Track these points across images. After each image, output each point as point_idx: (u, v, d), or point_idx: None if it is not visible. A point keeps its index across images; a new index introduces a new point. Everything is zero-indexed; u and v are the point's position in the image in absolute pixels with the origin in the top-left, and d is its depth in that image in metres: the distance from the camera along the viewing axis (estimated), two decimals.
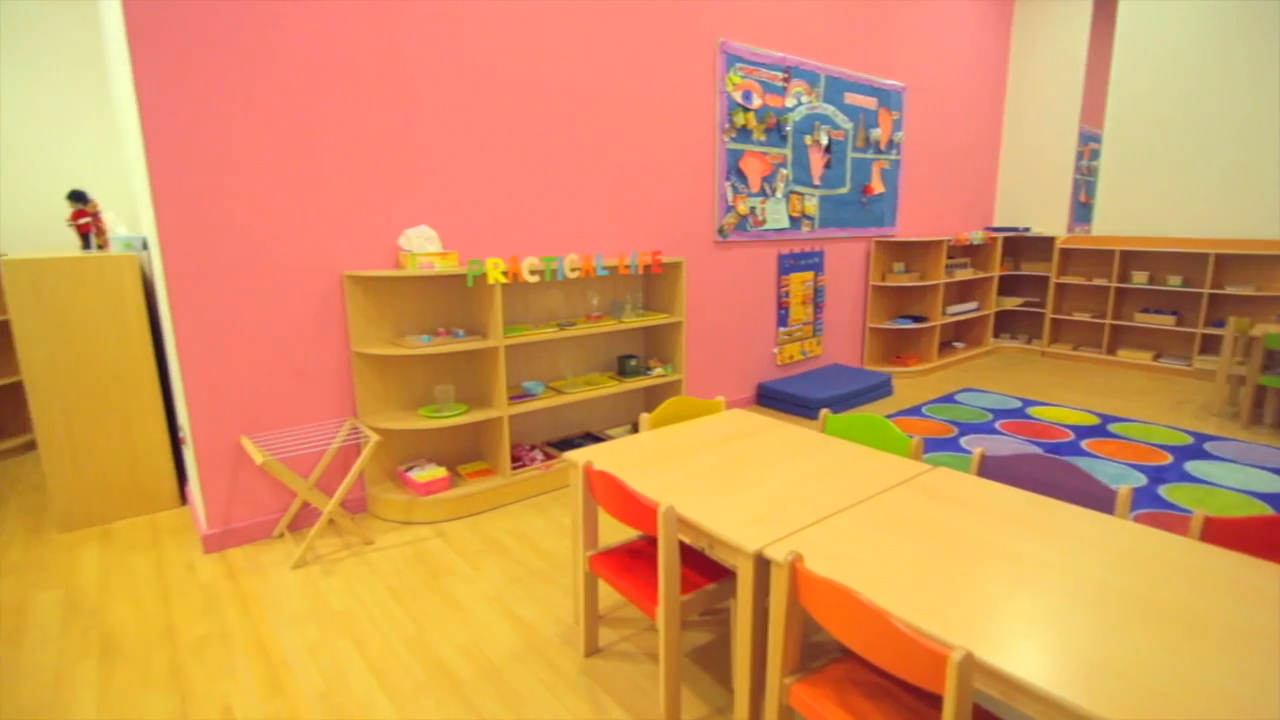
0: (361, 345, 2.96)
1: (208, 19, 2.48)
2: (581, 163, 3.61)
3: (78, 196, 3.24)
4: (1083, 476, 1.79)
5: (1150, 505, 3.11)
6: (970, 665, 1.03)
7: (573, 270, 3.28)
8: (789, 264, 4.87)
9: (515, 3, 3.22)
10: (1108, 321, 5.94)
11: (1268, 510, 3.07)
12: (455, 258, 3.00)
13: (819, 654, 1.54)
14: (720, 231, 4.35)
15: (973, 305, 6.30)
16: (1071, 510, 1.60)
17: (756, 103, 4.38)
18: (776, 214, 4.68)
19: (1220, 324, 5.38)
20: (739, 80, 4.25)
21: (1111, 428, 4.22)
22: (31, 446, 4.00)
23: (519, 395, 3.33)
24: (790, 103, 4.61)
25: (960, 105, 6.15)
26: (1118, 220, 5.98)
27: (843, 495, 1.72)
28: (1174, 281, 5.57)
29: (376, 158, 2.93)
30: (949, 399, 4.93)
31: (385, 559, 2.67)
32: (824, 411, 2.31)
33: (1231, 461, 3.64)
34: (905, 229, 5.86)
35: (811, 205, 4.93)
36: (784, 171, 4.67)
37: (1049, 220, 6.51)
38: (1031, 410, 4.62)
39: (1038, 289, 6.64)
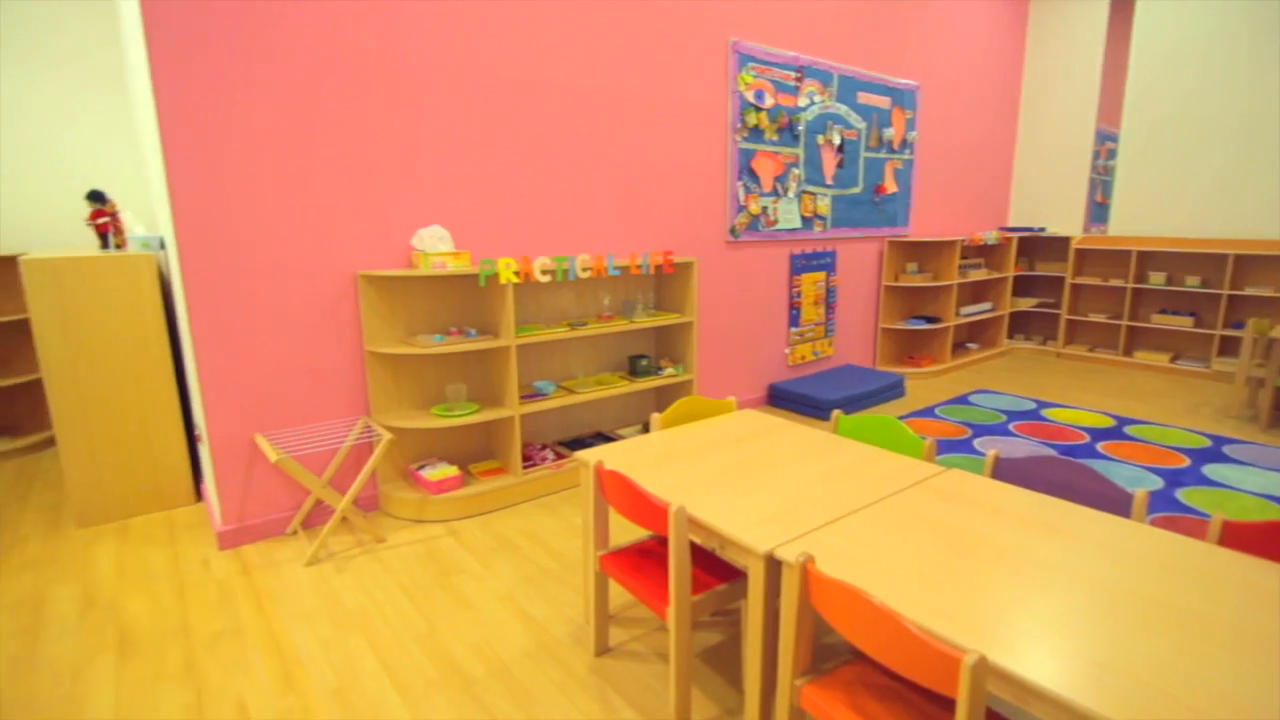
0: (374, 344, 2.98)
1: (224, 22, 2.50)
2: (593, 163, 3.61)
3: (96, 197, 3.28)
4: (1098, 479, 1.77)
5: (1167, 509, 3.07)
6: (984, 669, 1.02)
7: (584, 270, 3.29)
8: (801, 264, 4.85)
9: (528, 4, 3.23)
10: (1124, 323, 5.86)
11: None
12: (467, 257, 3.02)
13: (830, 656, 1.53)
14: (732, 231, 4.34)
15: (987, 306, 6.25)
16: (1086, 513, 1.58)
17: (769, 102, 4.37)
18: (789, 214, 4.66)
19: (1239, 325, 5.30)
20: (751, 80, 4.24)
21: (1128, 430, 4.17)
22: (50, 443, 4.06)
23: (530, 394, 3.34)
24: (803, 102, 4.59)
25: (975, 104, 6.09)
26: (1134, 220, 5.91)
27: (854, 497, 1.71)
28: (1192, 282, 5.49)
29: (390, 158, 2.95)
30: (962, 400, 4.89)
31: (397, 557, 2.69)
32: (836, 412, 2.30)
33: (1250, 465, 3.59)
34: (918, 229, 5.82)
35: (824, 205, 4.90)
36: (796, 171, 4.65)
37: (1064, 220, 6.44)
38: (1046, 412, 4.58)
39: (1053, 290, 6.57)
